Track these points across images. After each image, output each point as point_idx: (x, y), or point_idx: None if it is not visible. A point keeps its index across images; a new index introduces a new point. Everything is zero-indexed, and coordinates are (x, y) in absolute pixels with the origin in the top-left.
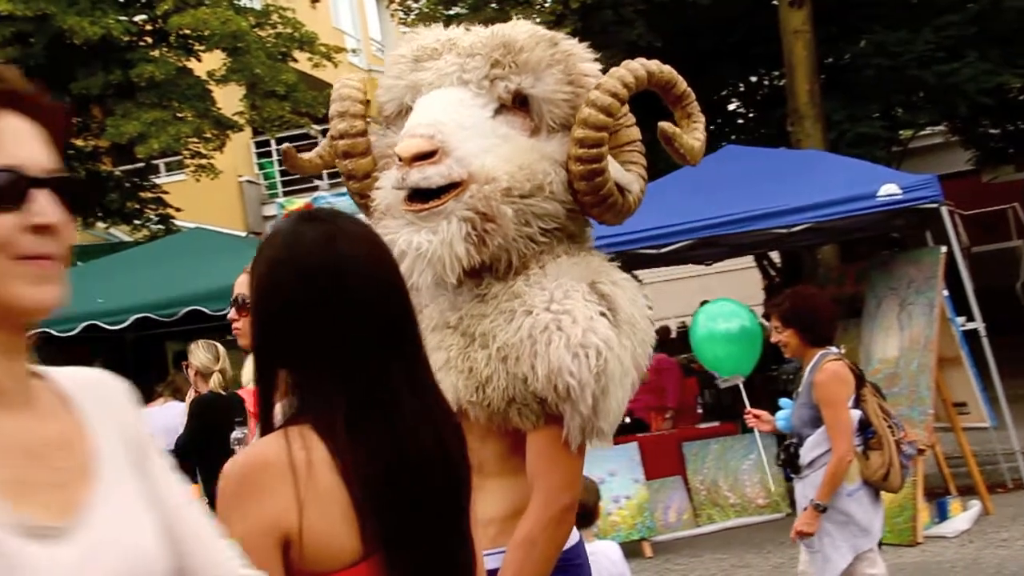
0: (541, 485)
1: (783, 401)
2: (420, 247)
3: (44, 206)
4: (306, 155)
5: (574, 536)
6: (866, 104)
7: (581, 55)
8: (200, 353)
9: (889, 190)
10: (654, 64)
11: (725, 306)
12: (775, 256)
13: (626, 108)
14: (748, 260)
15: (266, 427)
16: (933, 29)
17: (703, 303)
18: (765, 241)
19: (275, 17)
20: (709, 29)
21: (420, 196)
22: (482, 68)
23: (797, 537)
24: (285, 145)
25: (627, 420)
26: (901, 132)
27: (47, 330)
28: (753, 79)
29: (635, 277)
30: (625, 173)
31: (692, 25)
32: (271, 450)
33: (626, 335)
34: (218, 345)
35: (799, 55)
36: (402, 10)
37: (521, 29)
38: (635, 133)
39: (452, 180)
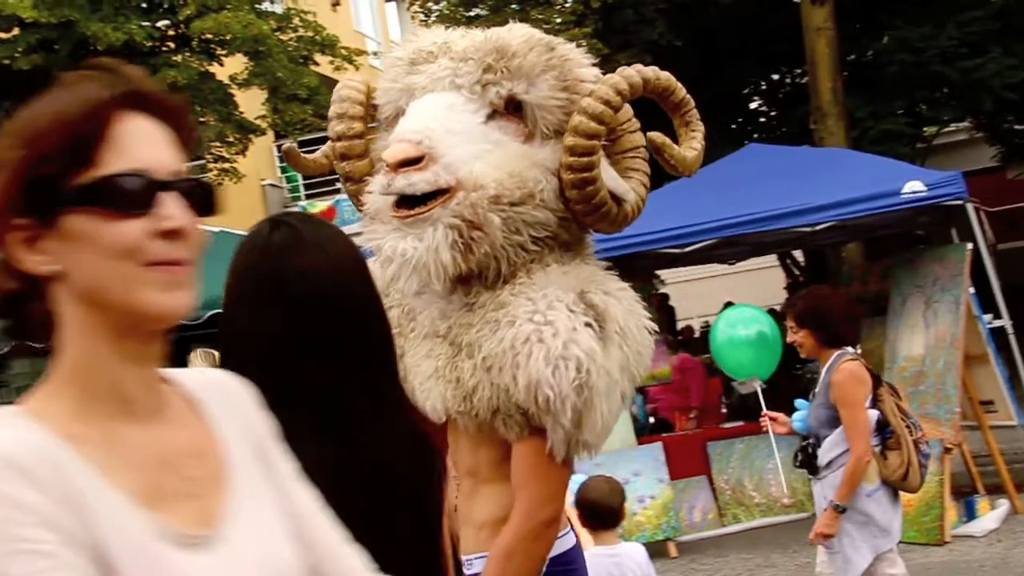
0: (523, 496)
1: (799, 402)
2: (405, 253)
3: (172, 210)
4: (311, 155)
5: (569, 540)
6: (889, 101)
7: (578, 61)
8: (198, 362)
9: (914, 187)
10: (650, 71)
11: (745, 312)
12: (798, 255)
13: (630, 113)
14: (771, 259)
15: None
16: (956, 24)
17: (726, 304)
18: (788, 240)
19: (296, 21)
20: (730, 27)
21: (407, 202)
22: (474, 73)
23: (817, 539)
24: (286, 145)
25: (651, 420)
26: (925, 129)
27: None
28: (775, 77)
29: (657, 277)
30: (621, 181)
31: (713, 23)
32: None
33: (616, 346)
34: (215, 354)
35: (821, 52)
36: (422, 12)
37: (516, 34)
38: (638, 139)
39: (439, 187)
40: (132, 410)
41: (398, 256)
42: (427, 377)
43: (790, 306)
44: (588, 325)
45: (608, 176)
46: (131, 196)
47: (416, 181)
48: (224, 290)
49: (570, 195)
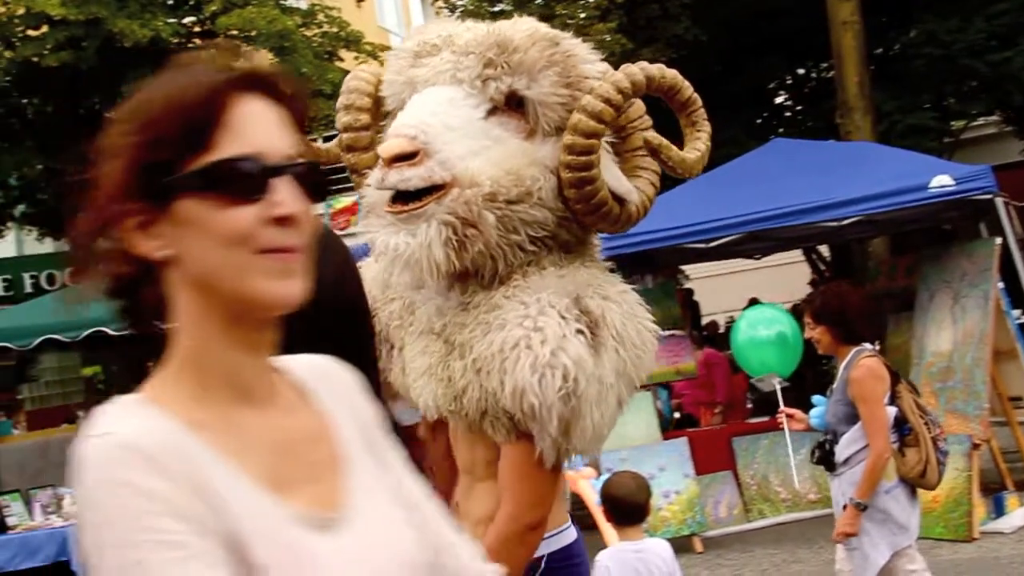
0: (508, 499)
1: (817, 398)
2: (398, 248)
3: (285, 196)
4: (324, 145)
5: (570, 535)
6: (917, 95)
7: (583, 56)
8: None
9: (942, 181)
10: (655, 68)
11: (765, 311)
12: (824, 250)
13: (642, 110)
14: (796, 254)
15: None
16: (985, 17)
17: (751, 301)
18: (815, 234)
19: (321, 16)
20: (756, 22)
21: (403, 197)
22: (475, 67)
23: (840, 538)
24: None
25: (677, 415)
26: (953, 123)
27: (103, 329)
28: (800, 71)
29: (682, 272)
30: (624, 180)
31: (738, 18)
32: None
33: (612, 351)
34: None
35: (848, 46)
36: (447, 7)
37: (520, 28)
38: (650, 137)
39: (433, 183)
40: (248, 396)
41: (390, 251)
42: (420, 374)
43: (808, 302)
44: (580, 332)
45: (611, 175)
46: (244, 181)
47: (410, 176)
48: None
49: (568, 194)
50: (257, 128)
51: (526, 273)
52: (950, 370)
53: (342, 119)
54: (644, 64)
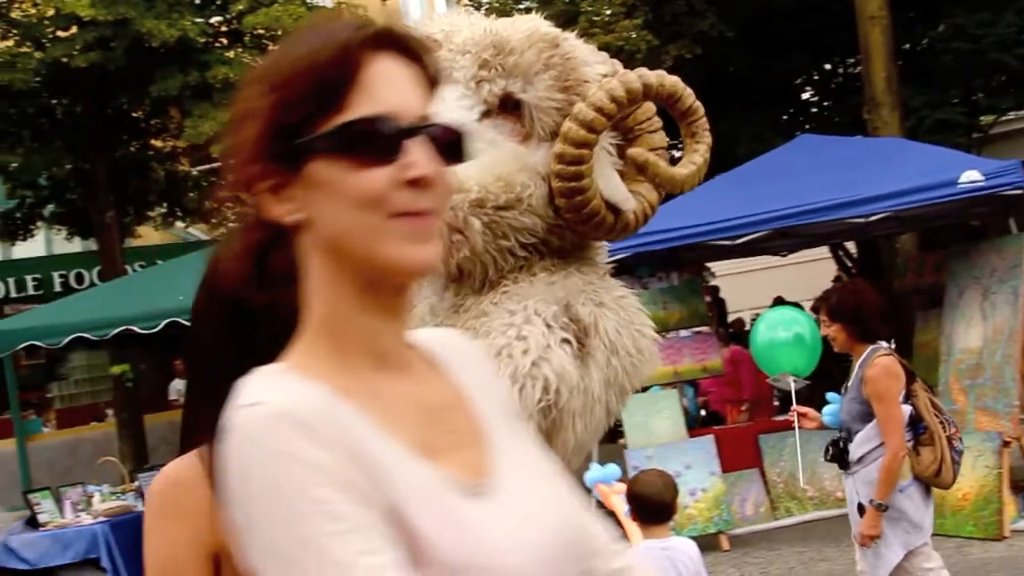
0: None
1: (831, 396)
2: None
3: (419, 157)
4: None
5: None
6: (945, 90)
7: (583, 59)
8: None
9: (971, 177)
10: (654, 75)
11: (784, 313)
12: (851, 247)
13: (651, 112)
14: (823, 251)
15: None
16: (1015, 11)
17: (776, 300)
18: (841, 231)
19: (346, 14)
20: (782, 17)
21: None
22: (471, 68)
23: (866, 541)
24: None
25: (703, 413)
26: (982, 118)
27: (132, 328)
28: (827, 67)
29: (708, 269)
30: (622, 188)
31: (764, 13)
32: (188, 470)
33: (601, 361)
34: None
35: (876, 41)
36: (472, 5)
37: (519, 28)
38: (658, 140)
39: None
40: (385, 363)
41: None
42: None
43: (823, 300)
44: (566, 342)
45: (608, 183)
46: (377, 143)
47: None
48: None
49: (559, 203)
50: (391, 88)
51: (516, 279)
52: (980, 367)
53: None
54: (643, 71)
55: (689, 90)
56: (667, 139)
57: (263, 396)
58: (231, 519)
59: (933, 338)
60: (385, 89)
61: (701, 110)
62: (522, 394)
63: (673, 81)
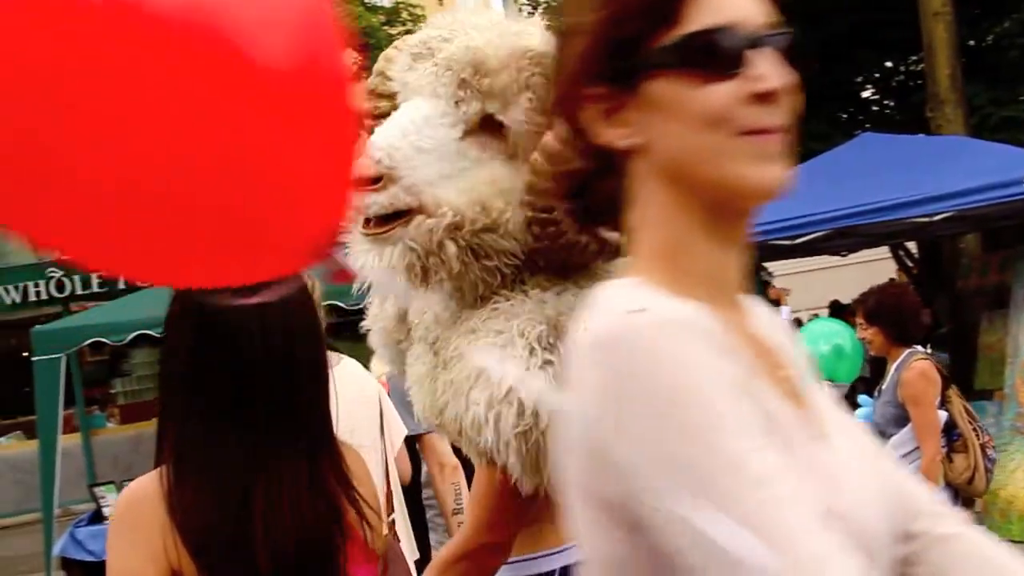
0: (470, 516)
1: (863, 399)
2: (365, 268)
3: (767, 69)
4: None
5: (555, 561)
6: (1011, 87)
7: None
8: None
9: None
10: None
11: (824, 326)
12: (912, 247)
13: None
14: (883, 251)
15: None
16: None
17: (831, 304)
18: (903, 231)
19: (404, 14)
20: (842, 14)
21: (378, 218)
22: (450, 86)
23: None
24: None
25: None
26: None
27: (148, 332)
28: (889, 64)
29: (765, 270)
30: None
31: (824, 10)
32: (152, 485)
33: None
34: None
35: (939, 38)
36: (529, 5)
37: (504, 44)
38: None
39: (397, 209)
40: (724, 297)
41: (360, 270)
42: (414, 381)
43: (860, 302)
44: (548, 363)
45: None
46: (721, 55)
47: (372, 202)
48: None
49: (533, 231)
50: None
51: (508, 296)
52: None
53: (371, 81)
54: None
55: None
56: None
57: (647, 304)
58: (566, 434)
59: (999, 339)
60: None
61: None
62: (499, 420)
63: None
